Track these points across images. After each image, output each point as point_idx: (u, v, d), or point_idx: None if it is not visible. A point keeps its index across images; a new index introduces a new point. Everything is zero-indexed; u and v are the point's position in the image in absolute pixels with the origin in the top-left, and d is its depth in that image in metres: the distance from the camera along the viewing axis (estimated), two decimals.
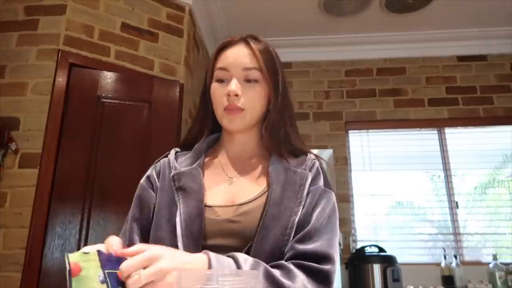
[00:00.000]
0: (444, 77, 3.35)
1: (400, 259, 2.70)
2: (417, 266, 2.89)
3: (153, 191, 0.87)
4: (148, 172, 0.91)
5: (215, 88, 0.88)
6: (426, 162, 3.20)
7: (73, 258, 0.54)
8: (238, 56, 0.87)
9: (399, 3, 2.94)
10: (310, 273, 0.72)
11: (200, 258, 0.65)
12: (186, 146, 0.96)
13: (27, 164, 2.03)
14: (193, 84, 2.80)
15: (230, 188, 0.86)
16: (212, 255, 0.66)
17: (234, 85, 0.84)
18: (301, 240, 0.75)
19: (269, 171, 0.84)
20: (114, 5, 2.43)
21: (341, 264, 2.50)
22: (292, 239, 0.76)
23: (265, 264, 0.69)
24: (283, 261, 0.72)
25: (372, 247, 2.79)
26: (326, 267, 0.73)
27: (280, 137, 0.89)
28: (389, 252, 2.76)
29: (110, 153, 2.18)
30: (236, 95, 0.84)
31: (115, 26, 2.41)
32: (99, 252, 0.57)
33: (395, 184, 3.20)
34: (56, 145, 2.08)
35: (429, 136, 3.28)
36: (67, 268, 0.53)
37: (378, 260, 2.64)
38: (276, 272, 0.68)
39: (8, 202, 1.97)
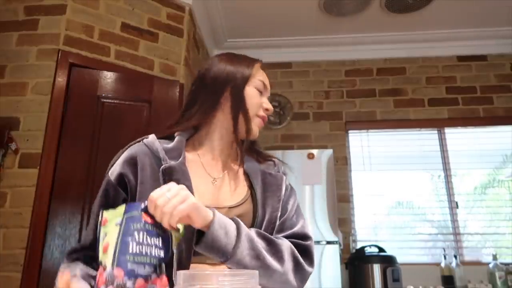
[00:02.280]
0: (444, 77, 3.35)
1: (400, 259, 2.70)
2: (417, 266, 2.89)
3: (123, 190, 0.84)
4: (118, 168, 0.85)
5: (255, 95, 0.94)
6: (426, 162, 3.20)
7: (105, 213, 0.69)
8: (268, 84, 0.99)
9: (399, 3, 2.94)
10: (294, 245, 0.85)
11: (206, 209, 0.73)
12: (167, 135, 0.93)
13: (27, 164, 2.03)
14: None
15: (214, 189, 0.88)
16: (217, 213, 0.74)
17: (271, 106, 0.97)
18: (281, 230, 0.88)
19: (247, 172, 0.93)
20: (114, 5, 2.43)
21: (341, 264, 2.50)
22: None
23: (258, 229, 0.82)
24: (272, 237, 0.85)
25: (372, 247, 2.79)
26: (306, 242, 0.87)
27: (258, 146, 1.02)
28: (389, 252, 2.76)
29: (110, 153, 2.15)
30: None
31: (115, 26, 2.41)
32: (127, 203, 0.70)
33: (395, 184, 3.20)
34: (56, 145, 2.08)
35: (429, 136, 3.28)
36: (99, 220, 0.69)
37: (378, 260, 2.64)
38: (267, 234, 0.82)
39: (8, 202, 1.97)
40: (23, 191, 1.99)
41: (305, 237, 0.89)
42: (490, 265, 2.77)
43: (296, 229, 0.89)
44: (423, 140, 3.26)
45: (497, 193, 3.21)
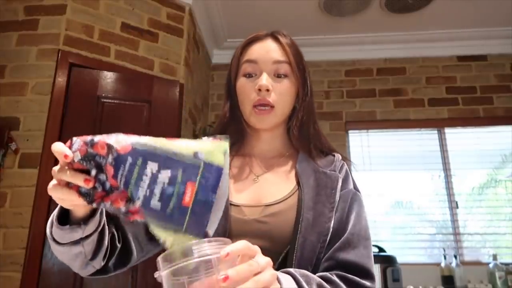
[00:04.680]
0: (444, 77, 3.35)
1: (400, 259, 2.70)
2: (417, 266, 2.89)
3: None
4: None
5: (243, 83, 0.84)
6: (426, 162, 3.20)
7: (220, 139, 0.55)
8: (267, 49, 0.85)
9: (399, 3, 2.94)
10: (350, 285, 0.69)
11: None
12: None
13: (27, 164, 2.03)
14: (193, 84, 2.80)
15: (256, 187, 0.83)
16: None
17: (265, 80, 0.81)
18: (341, 248, 0.73)
19: (297, 171, 0.82)
20: (114, 5, 2.43)
21: None
22: (327, 245, 0.73)
23: (318, 279, 0.66)
24: (328, 275, 0.69)
25: (372, 247, 2.79)
26: (368, 284, 0.70)
27: (310, 135, 0.87)
28: (389, 252, 2.76)
29: None
30: (268, 90, 0.81)
31: (115, 26, 2.41)
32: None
33: (395, 184, 3.20)
34: None
35: (429, 136, 3.28)
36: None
37: (378, 260, 2.63)
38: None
39: (8, 202, 1.98)
40: (23, 191, 1.99)
41: (367, 275, 0.71)
42: (490, 265, 2.77)
43: (357, 256, 0.72)
44: (423, 140, 3.26)
45: (497, 193, 3.21)
